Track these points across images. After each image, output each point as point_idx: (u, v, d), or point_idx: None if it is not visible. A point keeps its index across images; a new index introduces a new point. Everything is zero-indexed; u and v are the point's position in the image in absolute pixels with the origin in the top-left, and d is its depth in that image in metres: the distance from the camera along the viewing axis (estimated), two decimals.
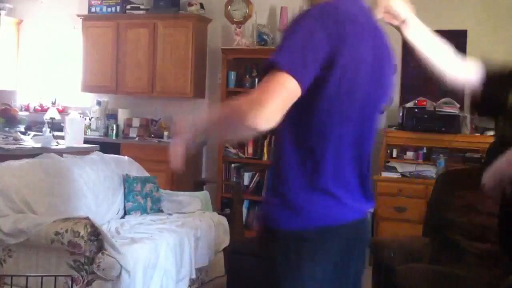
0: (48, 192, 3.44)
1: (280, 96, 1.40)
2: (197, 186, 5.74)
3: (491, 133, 4.78)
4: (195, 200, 4.36)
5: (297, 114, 1.50)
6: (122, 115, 6.37)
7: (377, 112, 1.67)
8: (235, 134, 1.64)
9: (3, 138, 4.83)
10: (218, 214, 4.41)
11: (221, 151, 5.77)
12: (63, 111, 6.48)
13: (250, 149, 5.74)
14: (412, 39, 1.89)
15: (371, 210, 1.77)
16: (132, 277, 3.07)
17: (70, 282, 2.98)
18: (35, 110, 6.77)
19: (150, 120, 6.31)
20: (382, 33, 1.70)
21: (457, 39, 5.35)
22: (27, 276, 2.82)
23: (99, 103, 6.39)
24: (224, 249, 4.26)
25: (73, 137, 4.94)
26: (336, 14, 1.51)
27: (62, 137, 5.09)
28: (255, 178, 5.74)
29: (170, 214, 4.14)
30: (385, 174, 4.96)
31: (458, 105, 5.01)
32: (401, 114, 5.15)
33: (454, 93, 5.26)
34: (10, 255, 3.19)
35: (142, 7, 6.28)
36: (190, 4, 6.04)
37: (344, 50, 1.48)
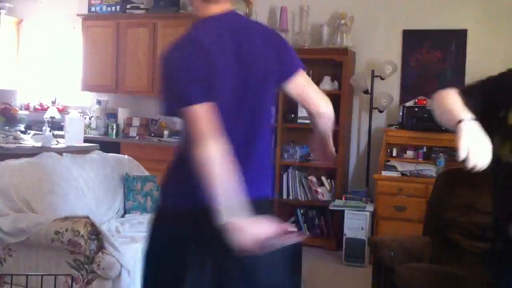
0: (48, 191, 3.44)
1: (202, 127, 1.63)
2: None
3: None
4: None
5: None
6: (122, 114, 6.37)
7: (262, 102, 1.82)
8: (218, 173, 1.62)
9: (3, 137, 4.83)
10: None
11: None
12: (63, 110, 6.49)
13: None
14: None
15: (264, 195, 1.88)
16: (132, 276, 3.07)
17: (70, 281, 2.98)
18: (35, 109, 6.78)
19: (150, 120, 6.31)
20: (249, 36, 1.83)
21: (457, 39, 5.38)
22: (27, 275, 2.81)
23: (99, 102, 6.39)
24: None
25: (73, 136, 4.94)
26: (190, 45, 1.72)
27: (62, 136, 5.09)
28: None
29: None
30: (385, 173, 4.96)
31: None
32: (401, 113, 5.15)
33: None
34: (10, 254, 3.19)
35: (142, 6, 6.29)
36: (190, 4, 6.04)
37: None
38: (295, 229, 1.60)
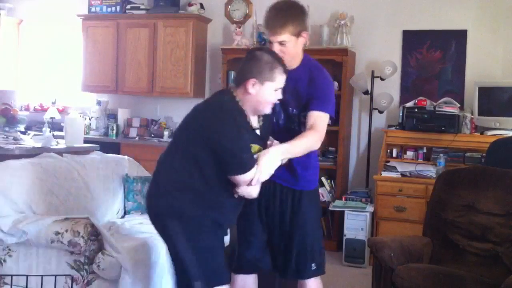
0: (48, 192, 3.44)
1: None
2: None
3: (491, 133, 4.79)
4: None
5: None
6: (122, 114, 6.37)
7: None
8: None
9: (3, 138, 4.82)
10: None
11: None
12: (63, 111, 6.49)
13: None
14: None
15: None
16: (132, 277, 3.07)
17: (70, 282, 2.98)
18: (35, 110, 6.77)
19: (150, 120, 6.31)
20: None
21: (457, 39, 5.38)
22: (27, 276, 2.82)
23: (99, 103, 6.39)
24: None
25: (73, 136, 4.94)
26: None
27: (62, 137, 5.08)
28: None
29: None
30: (385, 174, 4.96)
31: (458, 105, 5.01)
32: (401, 114, 5.15)
33: (454, 93, 5.28)
34: (10, 255, 3.20)
35: (142, 7, 6.29)
36: (190, 4, 6.04)
37: None
38: None
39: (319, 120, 2.56)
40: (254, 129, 2.46)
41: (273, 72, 2.38)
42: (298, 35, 2.57)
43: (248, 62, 2.41)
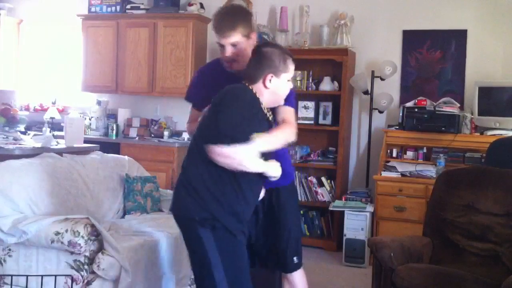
0: (48, 192, 3.43)
1: None
2: None
3: (491, 133, 4.79)
4: None
5: None
6: (122, 114, 6.37)
7: None
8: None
9: (3, 138, 4.82)
10: None
11: None
12: (63, 111, 6.49)
13: None
14: None
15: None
16: (132, 276, 3.07)
17: (70, 282, 2.98)
18: (35, 110, 6.78)
19: (150, 120, 6.31)
20: None
21: (457, 39, 5.39)
22: (27, 276, 2.82)
23: (99, 103, 6.39)
24: None
25: (73, 136, 4.93)
26: None
27: (62, 137, 5.08)
28: None
29: (170, 214, 4.13)
30: (385, 174, 4.96)
31: (458, 105, 5.01)
32: (401, 114, 5.15)
33: (454, 93, 5.28)
34: (10, 255, 3.19)
35: (142, 6, 6.29)
36: (190, 4, 6.04)
37: None
38: None
39: (289, 114, 2.57)
40: (269, 121, 2.48)
41: (286, 63, 2.46)
42: (248, 36, 2.60)
43: (259, 59, 2.44)
